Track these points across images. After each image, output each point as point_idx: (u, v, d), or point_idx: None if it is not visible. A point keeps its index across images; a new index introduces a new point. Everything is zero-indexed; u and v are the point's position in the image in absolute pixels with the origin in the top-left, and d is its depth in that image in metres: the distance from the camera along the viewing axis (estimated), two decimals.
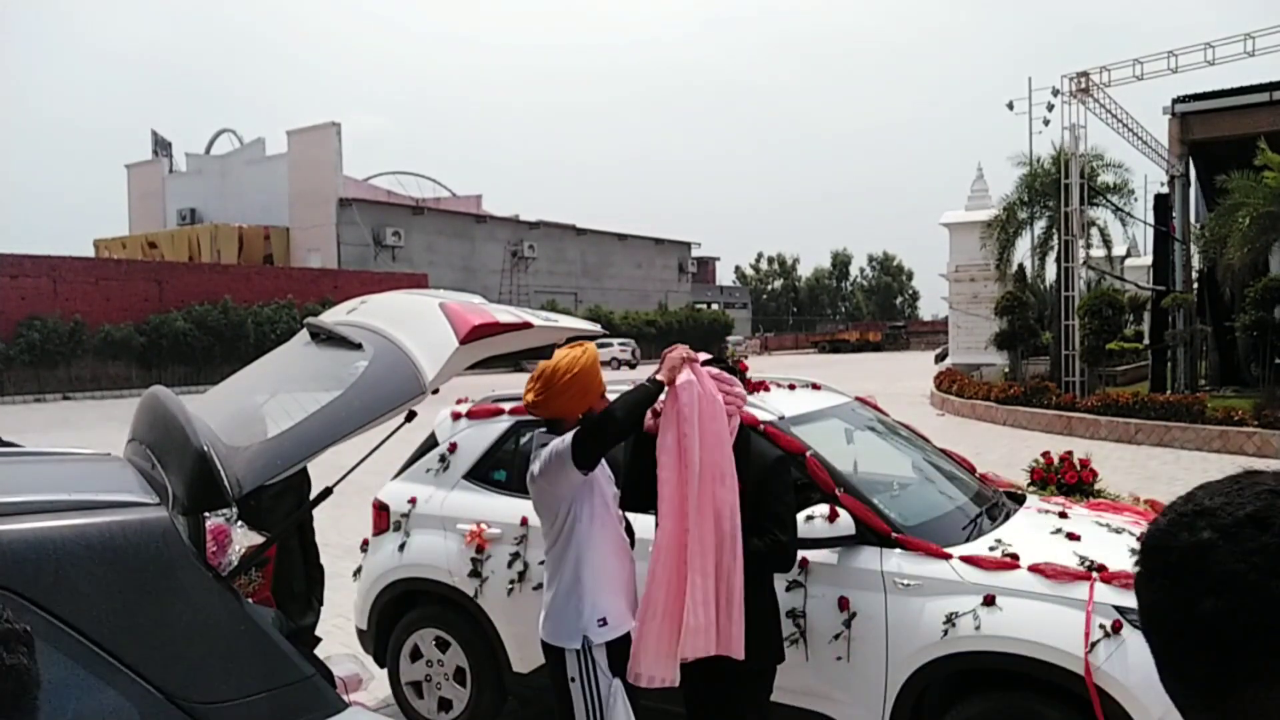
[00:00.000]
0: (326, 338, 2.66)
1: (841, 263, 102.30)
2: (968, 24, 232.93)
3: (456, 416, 4.74)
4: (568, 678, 2.93)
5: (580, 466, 2.83)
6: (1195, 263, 20.72)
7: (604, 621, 2.92)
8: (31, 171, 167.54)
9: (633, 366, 39.26)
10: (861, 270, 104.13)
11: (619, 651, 2.93)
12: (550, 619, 3.02)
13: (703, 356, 3.18)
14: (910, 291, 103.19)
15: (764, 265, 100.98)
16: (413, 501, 4.47)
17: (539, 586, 4.05)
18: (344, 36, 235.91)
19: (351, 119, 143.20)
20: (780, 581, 3.38)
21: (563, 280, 53.49)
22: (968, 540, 3.55)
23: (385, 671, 4.55)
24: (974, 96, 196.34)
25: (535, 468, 2.96)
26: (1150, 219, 21.97)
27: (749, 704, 3.05)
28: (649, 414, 3.03)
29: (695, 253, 67.74)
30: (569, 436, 2.86)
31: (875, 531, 3.44)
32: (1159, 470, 11.76)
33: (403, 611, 4.50)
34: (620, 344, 42.25)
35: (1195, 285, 20.36)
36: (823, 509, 3.42)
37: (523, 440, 4.55)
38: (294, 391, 2.46)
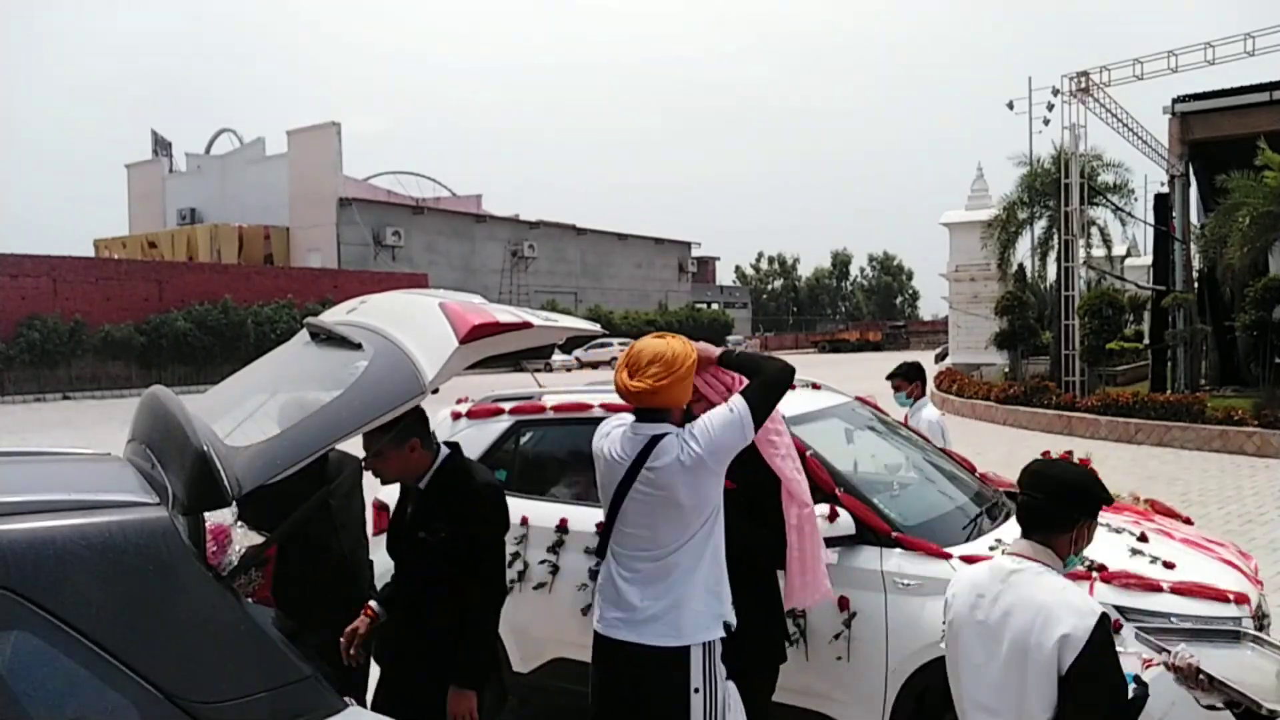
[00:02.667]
0: (326, 338, 2.66)
1: (841, 262, 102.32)
2: (968, 24, 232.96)
3: (456, 416, 4.74)
4: (690, 688, 2.61)
5: (757, 426, 2.70)
6: (1195, 262, 20.71)
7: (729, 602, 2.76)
8: (32, 171, 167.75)
9: None
10: (861, 270, 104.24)
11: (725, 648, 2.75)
12: (680, 617, 2.65)
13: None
14: (910, 291, 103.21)
15: (764, 265, 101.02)
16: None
17: (540, 586, 4.05)
18: (344, 37, 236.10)
19: (352, 120, 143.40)
20: (780, 580, 3.38)
21: (563, 280, 53.49)
22: (968, 540, 3.55)
23: None
24: (974, 96, 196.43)
25: (697, 450, 2.62)
26: (1150, 219, 21.98)
27: (747, 703, 3.03)
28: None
29: (695, 253, 67.75)
30: (738, 404, 2.66)
31: (875, 531, 3.44)
32: (1159, 470, 11.76)
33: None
34: (620, 344, 42.19)
35: (1195, 285, 20.36)
36: (822, 509, 3.41)
37: (523, 439, 4.55)
38: (294, 391, 2.46)
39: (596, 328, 3.32)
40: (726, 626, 2.70)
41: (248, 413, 2.42)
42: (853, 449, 4.33)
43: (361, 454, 3.11)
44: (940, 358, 33.33)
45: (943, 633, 3.16)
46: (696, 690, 2.60)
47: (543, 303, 43.95)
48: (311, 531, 3.17)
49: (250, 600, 2.57)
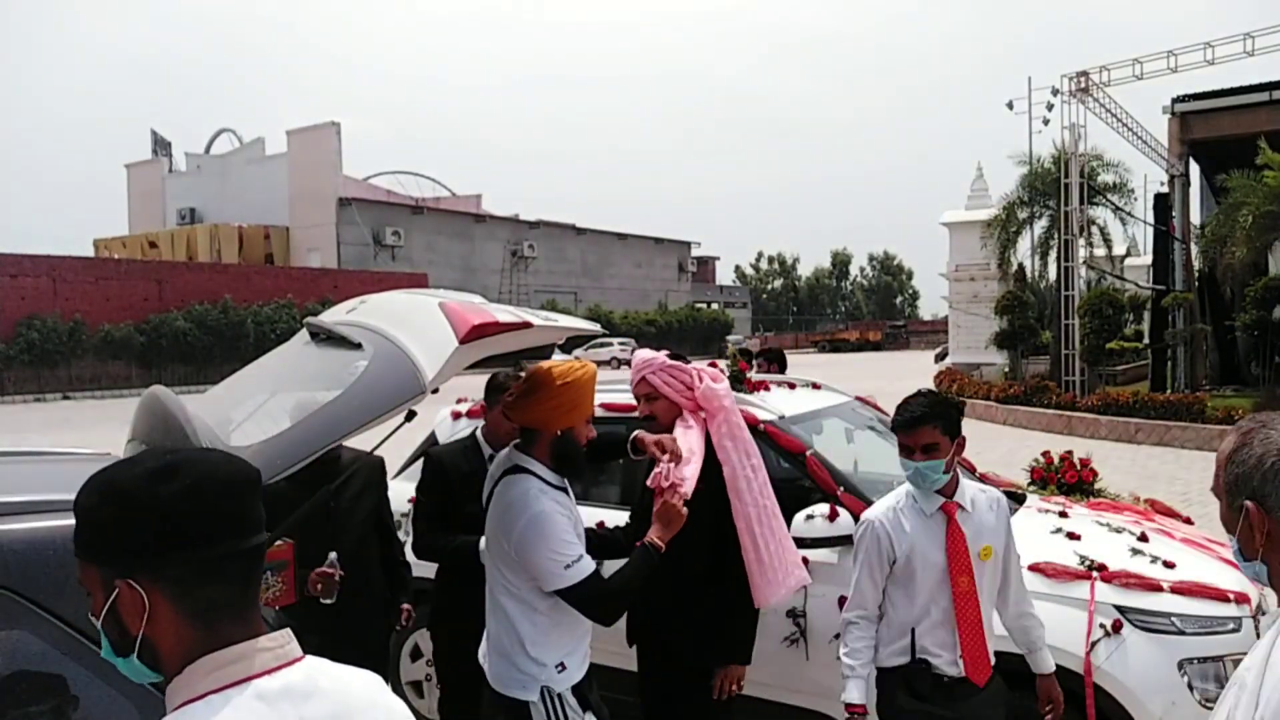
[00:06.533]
0: (326, 337, 2.66)
1: (841, 262, 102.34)
2: (968, 24, 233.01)
3: (456, 416, 4.75)
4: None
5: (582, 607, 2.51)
6: (1196, 262, 20.72)
7: (563, 667, 2.53)
8: (31, 171, 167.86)
9: None
10: (861, 270, 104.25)
11: (583, 686, 2.62)
12: (497, 664, 2.60)
13: (664, 352, 3.20)
14: (910, 291, 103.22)
15: (764, 265, 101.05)
16: (413, 501, 4.46)
17: None
18: (345, 39, 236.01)
19: (352, 122, 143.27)
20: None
21: (563, 280, 53.47)
22: None
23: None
24: (974, 96, 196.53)
25: (510, 528, 2.46)
26: (1150, 218, 21.98)
27: (702, 701, 3.00)
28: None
29: (695, 252, 67.73)
30: (574, 576, 2.40)
31: None
32: (1159, 470, 11.76)
33: (398, 608, 4.49)
34: (620, 343, 42.23)
35: (1195, 285, 20.35)
36: (823, 508, 3.42)
37: None
38: (294, 391, 2.46)
39: (596, 328, 3.32)
40: (547, 691, 2.50)
41: (248, 412, 2.42)
42: (853, 449, 4.33)
43: (364, 451, 3.10)
44: (940, 357, 33.34)
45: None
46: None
47: (543, 303, 43.93)
48: (316, 533, 3.15)
49: (273, 607, 2.56)
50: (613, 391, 4.02)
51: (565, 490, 2.63)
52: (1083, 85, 17.93)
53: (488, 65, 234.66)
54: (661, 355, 3.14)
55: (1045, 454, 6.51)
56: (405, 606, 3.66)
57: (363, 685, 1.18)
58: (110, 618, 1.09)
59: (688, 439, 2.91)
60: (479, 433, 3.62)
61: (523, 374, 2.76)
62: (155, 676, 1.10)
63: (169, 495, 1.05)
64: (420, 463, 4.70)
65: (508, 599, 2.53)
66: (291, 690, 1.07)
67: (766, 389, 4.22)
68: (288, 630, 1.12)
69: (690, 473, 2.77)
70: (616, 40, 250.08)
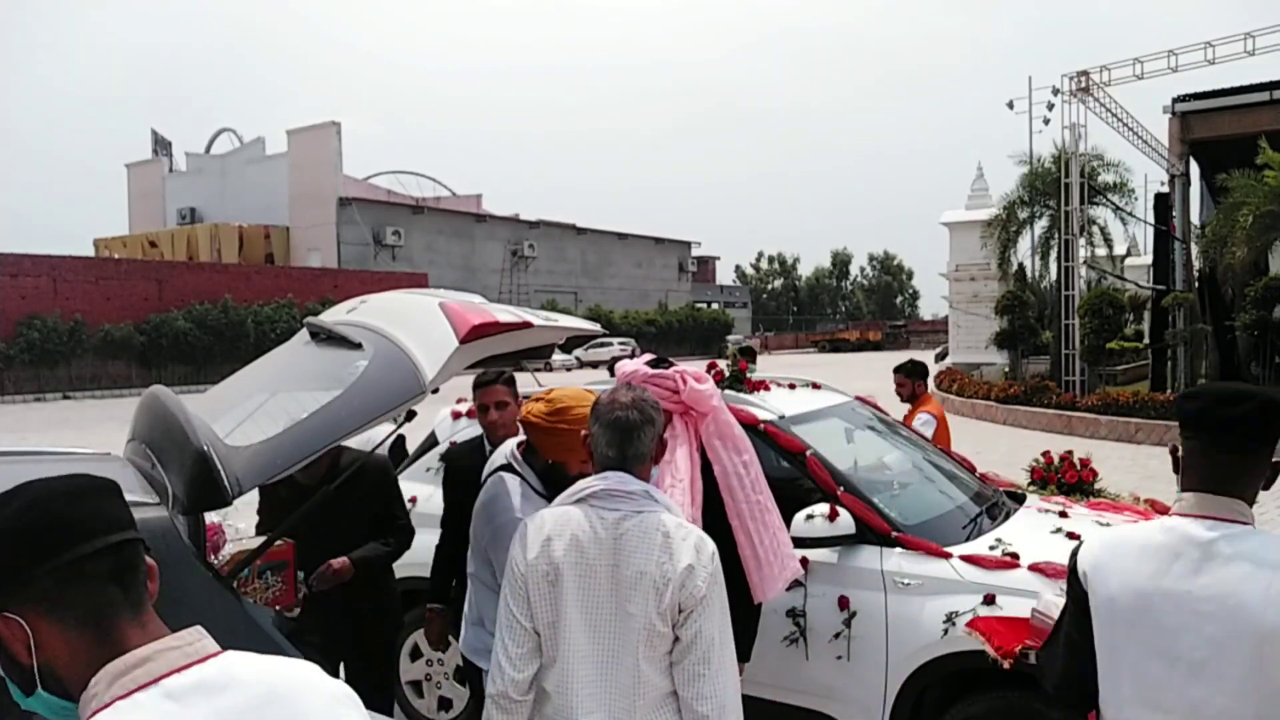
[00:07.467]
0: (326, 337, 2.66)
1: (841, 262, 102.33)
2: (968, 24, 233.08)
3: (456, 416, 4.74)
4: None
5: None
6: (1196, 262, 20.70)
7: None
8: (32, 172, 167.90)
9: None
10: (862, 269, 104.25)
11: None
12: (467, 631, 2.97)
13: (646, 357, 3.20)
14: (910, 291, 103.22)
15: (764, 265, 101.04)
16: (413, 501, 4.45)
17: None
18: (344, 41, 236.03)
19: (352, 123, 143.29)
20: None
21: (563, 280, 53.47)
22: (968, 539, 3.55)
23: None
24: (974, 96, 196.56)
25: (490, 531, 2.71)
26: (1150, 218, 21.96)
27: None
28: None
29: (695, 252, 67.71)
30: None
31: (875, 531, 3.44)
32: (1159, 470, 11.76)
33: (402, 610, 4.50)
34: (620, 343, 42.20)
35: (1195, 284, 20.34)
36: (823, 508, 3.42)
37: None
38: (294, 391, 2.46)
39: (596, 328, 3.32)
40: None
41: (248, 412, 2.42)
42: (853, 449, 4.33)
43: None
44: (940, 357, 33.32)
45: (944, 632, 3.15)
46: None
47: (543, 302, 43.90)
48: (322, 533, 3.14)
49: (275, 608, 2.56)
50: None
51: (548, 500, 2.61)
52: (1083, 85, 17.93)
53: (488, 68, 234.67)
54: (641, 365, 3.10)
55: (1045, 454, 6.50)
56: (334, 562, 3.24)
57: (293, 672, 1.14)
58: (2, 658, 1.06)
59: (674, 455, 2.91)
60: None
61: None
62: (71, 707, 1.05)
63: (8, 517, 1.05)
64: (424, 462, 4.71)
65: (475, 578, 2.81)
66: (204, 684, 1.04)
67: (766, 389, 4.22)
68: (199, 628, 1.10)
69: (680, 497, 2.79)
70: (618, 42, 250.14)
